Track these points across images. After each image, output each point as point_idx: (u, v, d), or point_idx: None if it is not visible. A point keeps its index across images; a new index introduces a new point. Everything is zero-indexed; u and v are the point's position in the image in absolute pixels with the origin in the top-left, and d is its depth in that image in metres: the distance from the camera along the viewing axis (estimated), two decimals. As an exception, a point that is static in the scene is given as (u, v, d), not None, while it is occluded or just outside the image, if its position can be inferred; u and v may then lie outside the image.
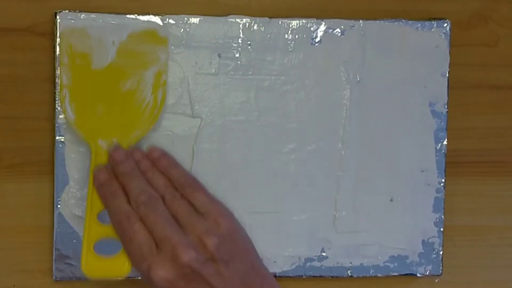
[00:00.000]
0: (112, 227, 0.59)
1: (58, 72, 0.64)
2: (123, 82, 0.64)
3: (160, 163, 0.62)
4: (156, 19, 0.66)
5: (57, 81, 0.64)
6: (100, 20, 0.65)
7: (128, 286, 0.68)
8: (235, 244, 0.58)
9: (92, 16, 0.65)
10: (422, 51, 0.69)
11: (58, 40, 0.64)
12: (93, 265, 0.59)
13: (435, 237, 0.70)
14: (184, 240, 0.55)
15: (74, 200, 0.66)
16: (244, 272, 0.57)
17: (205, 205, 0.59)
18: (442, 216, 0.70)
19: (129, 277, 0.66)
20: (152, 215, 0.57)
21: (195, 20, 0.66)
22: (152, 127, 0.65)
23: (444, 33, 0.69)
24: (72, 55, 0.64)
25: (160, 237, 0.56)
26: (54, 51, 0.64)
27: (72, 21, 0.64)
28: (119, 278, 0.60)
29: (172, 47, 0.66)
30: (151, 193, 0.58)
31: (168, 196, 0.59)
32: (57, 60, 0.64)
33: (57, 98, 0.65)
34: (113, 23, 0.64)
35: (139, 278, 0.67)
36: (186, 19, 0.66)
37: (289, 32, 0.67)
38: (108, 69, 0.64)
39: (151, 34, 0.65)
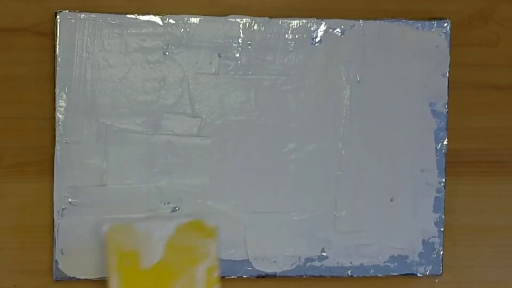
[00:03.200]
0: None
1: (108, 274, 0.62)
2: (174, 281, 0.63)
3: None
4: (156, 19, 0.66)
5: (110, 283, 0.62)
6: (100, 20, 0.65)
7: (128, 286, 0.68)
8: None
9: (92, 16, 0.65)
10: (422, 51, 0.69)
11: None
12: None
13: (435, 237, 0.70)
14: None
15: (74, 200, 0.65)
16: None
17: None
18: (442, 216, 0.70)
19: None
20: None
21: (195, 20, 0.66)
22: None
23: (444, 33, 0.69)
24: (120, 255, 0.62)
25: None
26: (54, 51, 0.65)
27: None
28: None
29: (172, 47, 0.66)
30: None
31: None
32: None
33: (57, 98, 0.65)
34: None
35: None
36: (186, 19, 0.66)
37: (289, 32, 0.67)
38: (157, 268, 0.63)
39: (198, 225, 0.64)
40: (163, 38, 0.66)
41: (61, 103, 0.65)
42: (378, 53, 0.68)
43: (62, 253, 0.66)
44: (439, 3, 0.70)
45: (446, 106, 0.69)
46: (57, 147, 0.65)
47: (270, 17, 0.67)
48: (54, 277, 0.66)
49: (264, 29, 0.67)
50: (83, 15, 0.65)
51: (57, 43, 0.64)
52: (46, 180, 0.66)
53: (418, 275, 0.70)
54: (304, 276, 0.69)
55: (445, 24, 0.69)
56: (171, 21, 0.66)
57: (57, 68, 0.65)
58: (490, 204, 0.72)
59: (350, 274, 0.69)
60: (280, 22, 0.67)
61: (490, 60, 0.71)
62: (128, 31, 0.65)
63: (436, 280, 0.71)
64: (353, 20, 0.68)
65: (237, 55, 0.67)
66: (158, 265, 0.63)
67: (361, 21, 0.68)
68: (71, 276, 0.66)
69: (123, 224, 0.63)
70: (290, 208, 0.68)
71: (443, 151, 0.70)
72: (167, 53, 0.66)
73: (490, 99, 0.72)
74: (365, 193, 0.69)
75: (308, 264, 0.69)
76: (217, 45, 0.67)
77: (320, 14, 0.68)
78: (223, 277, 0.67)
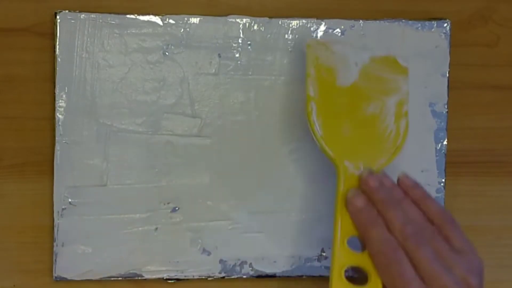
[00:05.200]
0: (363, 256, 0.58)
1: (306, 83, 0.63)
2: (366, 104, 0.63)
3: (414, 194, 0.60)
4: (156, 19, 0.66)
5: (308, 91, 0.63)
6: (100, 20, 0.65)
7: (129, 286, 0.68)
8: (483, 284, 0.57)
9: (92, 16, 0.65)
10: (422, 51, 0.69)
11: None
12: None
13: (435, 237, 0.70)
14: (454, 280, 0.54)
15: (74, 200, 0.65)
16: None
17: (462, 243, 0.57)
18: (442, 216, 0.70)
19: (129, 277, 0.66)
20: (421, 251, 0.55)
21: (195, 20, 0.66)
22: (395, 157, 0.63)
23: (444, 33, 0.69)
24: (318, 67, 0.63)
25: (428, 275, 0.54)
26: (54, 51, 0.65)
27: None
28: None
29: (172, 47, 0.66)
30: (417, 225, 0.57)
31: (428, 231, 0.57)
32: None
33: (57, 98, 0.65)
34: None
35: (139, 277, 0.67)
36: (186, 19, 0.66)
37: (289, 32, 0.67)
38: (352, 88, 0.63)
39: (392, 62, 0.65)
40: (163, 38, 0.66)
41: (61, 103, 0.65)
42: (378, 53, 0.68)
43: (62, 254, 0.66)
44: (439, 3, 0.70)
45: (446, 106, 0.69)
46: (57, 147, 0.65)
47: (270, 17, 0.67)
48: (54, 277, 0.66)
49: (264, 29, 0.67)
50: (83, 15, 0.65)
51: (57, 43, 0.65)
52: (46, 180, 0.66)
53: (418, 275, 0.70)
54: (304, 276, 0.69)
55: (445, 24, 0.69)
56: (171, 21, 0.66)
57: (57, 68, 0.65)
58: (490, 204, 0.72)
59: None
60: (280, 22, 0.67)
61: (490, 60, 0.71)
62: (128, 31, 0.65)
63: (436, 280, 0.71)
64: (353, 20, 0.68)
65: (237, 55, 0.67)
66: (353, 86, 0.64)
67: (361, 21, 0.68)
68: (71, 276, 0.66)
69: (322, 41, 0.65)
70: (290, 208, 0.68)
71: (443, 151, 0.70)
72: (167, 53, 0.66)
73: (490, 99, 0.72)
74: (365, 193, 0.69)
75: (308, 264, 0.69)
76: (217, 45, 0.67)
77: (320, 14, 0.68)
78: (223, 277, 0.67)
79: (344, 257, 0.58)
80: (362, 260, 0.58)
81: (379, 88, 0.64)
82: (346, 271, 0.58)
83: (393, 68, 0.65)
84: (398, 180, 0.62)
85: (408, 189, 0.61)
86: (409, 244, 0.56)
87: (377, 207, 0.58)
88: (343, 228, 0.59)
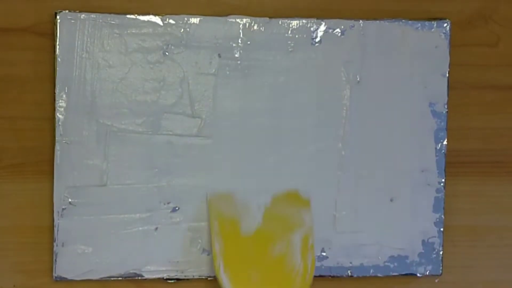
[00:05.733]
0: None
1: (211, 239, 0.65)
2: (272, 247, 0.65)
3: None
4: (156, 19, 0.66)
5: (214, 248, 0.64)
6: (100, 20, 0.65)
7: (129, 286, 0.68)
8: None
9: (92, 16, 0.65)
10: (422, 51, 0.69)
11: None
12: None
13: (435, 237, 0.70)
14: None
15: (74, 200, 0.65)
16: None
17: None
18: (442, 216, 0.70)
19: (129, 277, 0.66)
20: None
21: (195, 20, 0.66)
22: None
23: (444, 33, 0.69)
24: (222, 221, 0.65)
25: None
26: (54, 51, 0.65)
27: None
28: None
29: (172, 47, 0.66)
30: None
31: None
32: (211, 227, 0.65)
33: (57, 98, 0.65)
34: None
35: (139, 277, 0.67)
36: (186, 19, 0.66)
37: (289, 32, 0.67)
38: (256, 235, 0.65)
39: (294, 196, 0.66)
40: (163, 38, 0.66)
41: (61, 103, 0.65)
42: (378, 54, 0.68)
43: (62, 254, 0.66)
44: (439, 3, 0.70)
45: (446, 106, 0.69)
46: (57, 147, 0.65)
47: (270, 17, 0.67)
48: (54, 277, 0.66)
49: (264, 29, 0.67)
50: (83, 15, 0.65)
51: (57, 43, 0.64)
52: (46, 180, 0.66)
53: (418, 275, 0.70)
54: (304, 276, 0.69)
55: (445, 24, 0.69)
56: (171, 21, 0.66)
57: (57, 68, 0.65)
58: (490, 204, 0.72)
59: (350, 274, 0.69)
60: (280, 22, 0.67)
61: (490, 60, 0.71)
62: (128, 31, 0.65)
63: (436, 280, 0.71)
64: (353, 20, 0.68)
65: (237, 55, 0.67)
66: (257, 232, 0.65)
67: (361, 21, 0.68)
68: (71, 276, 0.66)
69: (223, 193, 0.66)
70: (290, 208, 0.68)
71: (443, 151, 0.70)
72: (167, 53, 0.66)
73: (490, 99, 0.72)
74: (365, 193, 0.69)
75: (308, 264, 0.69)
76: (217, 45, 0.67)
77: (320, 14, 0.68)
78: (223, 277, 0.67)
79: None
80: None
81: (283, 227, 0.65)
82: None
83: (296, 203, 0.66)
84: None
85: None
86: None
87: None
88: None
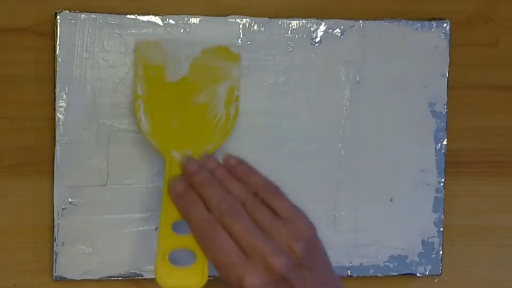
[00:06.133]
0: (189, 238, 0.59)
1: (134, 81, 0.65)
2: (196, 95, 0.65)
3: (238, 170, 0.61)
4: (156, 19, 0.66)
5: (136, 90, 0.64)
6: (100, 20, 0.65)
7: (129, 286, 0.68)
8: (317, 250, 0.58)
9: (93, 16, 0.65)
10: (421, 51, 0.69)
11: (133, 54, 0.65)
12: (167, 275, 0.58)
13: (434, 237, 0.70)
14: (274, 247, 0.55)
15: (74, 200, 0.65)
16: (323, 279, 0.57)
17: (287, 210, 0.59)
18: (442, 216, 0.70)
19: (130, 277, 0.66)
20: (237, 224, 0.56)
21: (195, 20, 0.66)
22: (224, 141, 0.65)
23: (443, 33, 0.69)
24: (147, 67, 0.65)
25: (248, 245, 0.56)
26: (55, 51, 0.65)
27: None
28: None
29: (172, 46, 0.66)
30: (232, 201, 0.58)
31: (249, 203, 0.58)
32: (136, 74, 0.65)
33: (57, 98, 0.65)
34: (181, 37, 0.66)
35: (139, 277, 0.67)
36: (186, 19, 0.66)
37: (289, 32, 0.67)
38: (181, 82, 0.65)
39: (224, 50, 0.66)
40: (163, 38, 0.66)
41: (61, 103, 0.65)
42: (378, 54, 0.68)
43: (62, 253, 0.66)
44: (439, 3, 0.70)
45: (445, 106, 0.69)
46: (57, 147, 0.65)
47: (270, 17, 0.67)
48: (54, 277, 0.66)
49: (264, 29, 0.67)
50: (83, 15, 0.65)
51: (57, 43, 0.64)
52: (46, 180, 0.66)
53: (418, 275, 0.70)
54: (304, 276, 0.69)
55: (445, 25, 0.69)
56: (171, 21, 0.66)
57: (57, 69, 0.65)
58: (490, 204, 0.72)
59: (349, 274, 0.69)
60: (280, 23, 0.67)
61: (490, 61, 0.71)
62: (128, 31, 0.65)
63: (436, 280, 0.71)
64: (352, 21, 0.68)
65: (237, 55, 0.67)
66: (183, 80, 0.65)
67: (360, 21, 0.68)
68: (71, 276, 0.66)
69: (152, 40, 0.65)
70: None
71: (443, 151, 0.70)
72: (167, 53, 0.66)
73: (490, 99, 0.72)
74: (365, 193, 0.69)
75: (308, 264, 0.69)
76: (217, 45, 0.67)
77: (320, 14, 0.68)
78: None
79: (168, 241, 0.60)
80: (187, 242, 0.59)
81: (210, 77, 0.65)
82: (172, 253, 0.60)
83: (225, 57, 0.66)
84: (223, 161, 0.63)
85: (232, 168, 0.62)
86: (226, 219, 0.57)
87: (196, 189, 0.60)
88: (168, 214, 0.61)
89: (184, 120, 0.65)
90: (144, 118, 0.64)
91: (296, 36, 0.67)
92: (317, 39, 0.68)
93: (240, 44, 0.66)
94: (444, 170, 0.70)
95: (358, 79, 0.68)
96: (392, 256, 0.70)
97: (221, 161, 0.63)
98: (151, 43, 0.65)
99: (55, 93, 0.65)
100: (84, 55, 0.65)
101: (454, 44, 0.69)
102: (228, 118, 0.65)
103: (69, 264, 0.66)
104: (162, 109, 0.65)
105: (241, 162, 0.63)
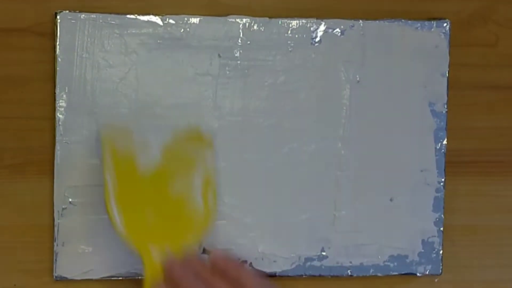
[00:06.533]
0: None
1: (104, 175, 0.61)
2: (171, 187, 0.63)
3: (225, 268, 0.60)
4: (156, 19, 0.66)
5: (106, 183, 0.61)
6: (100, 20, 0.65)
7: (129, 286, 0.68)
8: None
9: (93, 16, 0.65)
10: (421, 51, 0.69)
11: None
12: None
13: (434, 236, 0.70)
14: None
15: (74, 200, 0.66)
16: None
17: None
18: (442, 216, 0.70)
19: (130, 277, 0.66)
20: None
21: (195, 20, 0.66)
22: (205, 233, 0.63)
23: (443, 33, 0.69)
24: (116, 156, 0.62)
25: None
26: (55, 51, 0.65)
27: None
28: None
29: (172, 47, 0.66)
30: None
31: None
32: None
33: (57, 98, 0.65)
34: None
35: (140, 277, 0.67)
36: (186, 19, 0.66)
37: (289, 32, 0.67)
38: (154, 173, 0.63)
39: (195, 133, 0.65)
40: (163, 38, 0.66)
41: (61, 103, 0.65)
42: (377, 53, 0.68)
43: (63, 253, 0.66)
44: (439, 3, 0.70)
45: (445, 106, 0.69)
46: (57, 147, 0.65)
47: (270, 17, 0.67)
48: (54, 277, 0.66)
49: (264, 29, 0.67)
50: (83, 15, 0.65)
51: (57, 43, 0.64)
52: (46, 180, 0.66)
53: (418, 274, 0.70)
54: (304, 276, 0.69)
55: (445, 24, 0.69)
56: (171, 21, 0.66)
57: (57, 68, 0.65)
58: (490, 204, 0.72)
59: (349, 273, 0.69)
60: (280, 22, 0.67)
61: (490, 60, 0.71)
62: (128, 31, 0.65)
63: (436, 280, 0.72)
64: (352, 20, 0.68)
65: (237, 55, 0.67)
66: (155, 171, 0.63)
67: (360, 21, 0.68)
68: (72, 276, 0.66)
69: (119, 127, 0.64)
70: (289, 208, 0.68)
71: (443, 151, 0.70)
72: (167, 53, 0.66)
73: (490, 99, 0.72)
74: (365, 193, 0.69)
75: (308, 263, 0.69)
76: (217, 45, 0.67)
77: (320, 14, 0.68)
78: (223, 277, 0.67)
79: None
80: None
81: (183, 165, 0.63)
82: None
83: (197, 140, 0.64)
84: (209, 258, 0.61)
85: (217, 263, 0.60)
86: None
87: None
88: None
89: (160, 214, 0.62)
90: (116, 213, 0.61)
91: (296, 36, 0.67)
92: (317, 39, 0.68)
93: (240, 43, 0.67)
94: (444, 169, 0.70)
95: (358, 79, 0.68)
96: (392, 256, 0.70)
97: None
98: (118, 130, 0.63)
99: (55, 93, 0.65)
100: (84, 55, 0.65)
101: (454, 44, 0.69)
102: (207, 208, 0.63)
103: (69, 264, 0.66)
104: (136, 203, 0.62)
105: (227, 259, 0.61)
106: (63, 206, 0.66)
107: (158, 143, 0.64)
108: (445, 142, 0.70)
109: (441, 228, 0.70)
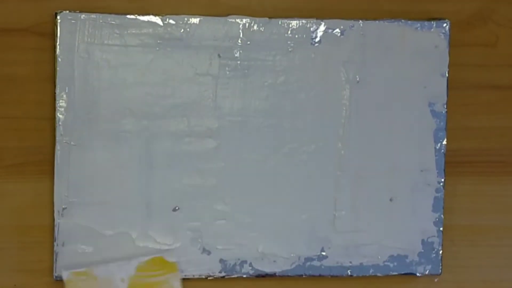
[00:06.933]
0: None
1: None
2: None
3: None
4: (156, 19, 0.66)
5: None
6: (101, 20, 0.65)
7: (129, 286, 0.68)
8: None
9: (93, 16, 0.65)
10: (421, 51, 0.69)
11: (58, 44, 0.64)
12: None
13: (434, 236, 0.70)
14: None
15: (74, 200, 0.66)
16: None
17: None
18: (442, 216, 0.70)
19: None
20: None
21: (195, 20, 0.66)
22: None
23: (443, 33, 0.69)
24: None
25: None
26: (55, 51, 0.65)
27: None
28: None
29: (172, 47, 0.66)
30: None
31: None
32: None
33: (57, 98, 0.65)
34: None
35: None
36: (186, 19, 0.66)
37: (289, 32, 0.67)
38: None
39: (159, 261, 0.65)
40: (163, 38, 0.66)
41: (61, 103, 0.65)
42: (377, 54, 0.68)
43: (63, 253, 0.66)
44: (438, 3, 0.70)
45: (445, 106, 0.69)
46: (57, 147, 0.65)
47: (270, 17, 0.67)
48: (54, 277, 0.66)
49: (264, 29, 0.67)
50: (83, 15, 0.65)
51: (58, 43, 0.65)
52: (46, 180, 0.66)
53: (418, 274, 0.70)
54: (304, 276, 0.69)
55: (444, 25, 0.69)
56: (171, 21, 0.66)
57: (58, 69, 0.65)
58: (490, 204, 0.72)
59: (349, 273, 0.69)
60: (280, 22, 0.67)
61: (490, 60, 0.71)
62: (128, 31, 0.66)
63: (435, 280, 0.72)
64: (352, 21, 0.68)
65: (237, 55, 0.67)
66: None
67: (360, 21, 0.68)
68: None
69: (83, 270, 0.64)
70: (289, 208, 0.68)
71: (442, 151, 0.70)
72: (167, 53, 0.66)
73: (490, 99, 0.72)
74: (365, 193, 0.69)
75: (308, 263, 0.69)
76: (217, 45, 0.67)
77: (319, 15, 0.68)
78: (223, 277, 0.67)
79: None
80: None
81: None
82: None
83: (162, 268, 0.65)
84: None
85: None
86: None
87: None
88: None
89: None
90: None
91: (296, 36, 0.67)
92: (317, 39, 0.68)
93: (240, 43, 0.67)
94: (444, 170, 0.70)
95: (358, 79, 0.68)
96: (392, 256, 0.70)
97: None
98: (81, 273, 0.64)
99: (55, 93, 0.65)
100: (84, 55, 0.65)
101: (454, 44, 0.69)
102: None
103: (69, 263, 0.66)
104: None
105: None
106: (63, 206, 0.66)
107: (123, 278, 0.64)
108: (444, 142, 0.70)
109: (441, 228, 0.70)
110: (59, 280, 0.66)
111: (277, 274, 0.68)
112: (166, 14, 0.66)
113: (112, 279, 0.64)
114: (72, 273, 0.64)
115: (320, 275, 0.69)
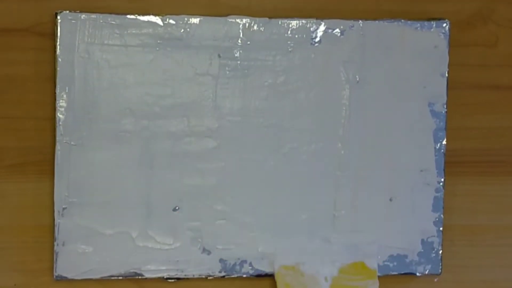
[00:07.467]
0: None
1: None
2: None
3: None
4: (156, 19, 0.66)
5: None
6: (101, 20, 0.65)
7: (129, 285, 0.68)
8: None
9: (93, 16, 0.65)
10: (421, 51, 0.69)
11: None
12: None
13: (434, 236, 0.70)
14: None
15: (74, 200, 0.66)
16: None
17: None
18: (442, 216, 0.70)
19: (130, 277, 0.67)
20: None
21: (195, 20, 0.66)
22: None
23: (443, 33, 0.69)
24: None
25: None
26: (55, 51, 0.65)
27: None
28: None
29: (172, 47, 0.66)
30: None
31: None
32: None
33: (57, 98, 0.65)
34: None
35: (140, 277, 0.67)
36: (186, 19, 0.66)
37: (289, 32, 0.67)
38: None
39: (361, 267, 0.68)
40: (163, 38, 0.66)
41: (61, 103, 0.65)
42: (377, 54, 0.68)
43: (63, 253, 0.66)
44: (438, 3, 0.70)
45: (445, 106, 0.70)
46: (58, 147, 0.65)
47: (270, 17, 0.67)
48: (54, 276, 0.66)
49: (264, 29, 0.67)
50: (84, 15, 0.65)
51: (58, 43, 0.65)
52: (46, 180, 0.66)
53: (417, 274, 0.70)
54: (304, 276, 0.69)
55: (444, 25, 0.69)
56: (171, 21, 0.66)
57: (58, 69, 0.65)
58: (489, 204, 0.72)
59: (349, 273, 0.70)
60: (280, 23, 0.67)
61: (489, 60, 0.71)
62: (129, 31, 0.66)
63: (435, 280, 0.72)
64: (352, 21, 0.68)
65: (237, 55, 0.67)
66: None
67: (360, 21, 0.68)
68: (72, 276, 0.66)
69: (291, 265, 0.67)
70: (290, 208, 0.68)
71: (442, 151, 0.70)
72: (167, 53, 0.66)
73: (489, 99, 0.72)
74: (365, 192, 0.69)
75: (308, 263, 0.69)
76: (217, 45, 0.67)
77: (319, 14, 0.68)
78: (223, 277, 0.68)
79: None
80: None
81: None
82: None
83: (362, 274, 0.68)
84: None
85: None
86: None
87: None
88: None
89: None
90: None
91: (296, 36, 0.68)
92: (317, 39, 0.68)
93: (240, 43, 0.67)
94: (444, 169, 0.70)
95: (358, 79, 0.68)
96: (391, 256, 0.70)
97: None
98: (290, 267, 0.67)
99: (55, 93, 0.65)
100: (84, 55, 0.65)
101: (453, 44, 0.69)
102: None
103: (69, 263, 0.66)
104: None
105: None
106: (63, 206, 0.66)
107: (327, 277, 0.67)
108: (444, 142, 0.70)
109: (441, 228, 0.70)
110: (59, 280, 0.66)
111: (277, 274, 0.69)
112: (166, 14, 0.66)
113: (317, 277, 0.67)
114: (282, 267, 0.67)
115: (320, 275, 0.69)
